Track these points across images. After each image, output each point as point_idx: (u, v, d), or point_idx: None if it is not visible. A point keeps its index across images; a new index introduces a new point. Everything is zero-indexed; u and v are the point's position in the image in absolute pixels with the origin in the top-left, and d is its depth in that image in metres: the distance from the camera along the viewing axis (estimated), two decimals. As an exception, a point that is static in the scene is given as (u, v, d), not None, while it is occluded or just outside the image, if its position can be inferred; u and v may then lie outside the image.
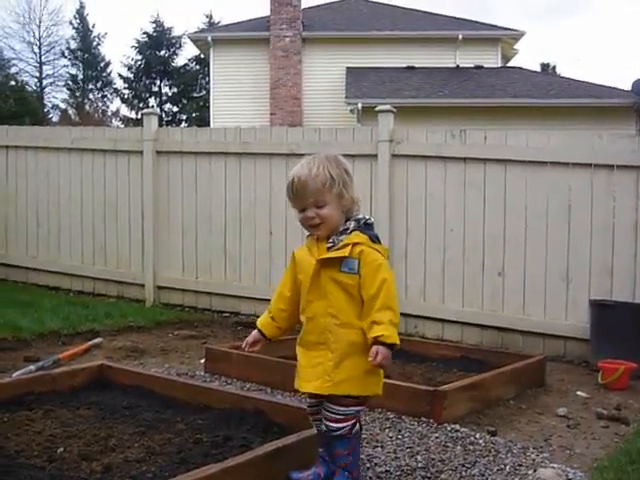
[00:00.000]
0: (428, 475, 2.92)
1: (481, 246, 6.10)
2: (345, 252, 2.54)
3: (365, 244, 2.56)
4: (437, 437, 3.47)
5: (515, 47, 22.73)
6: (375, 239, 2.61)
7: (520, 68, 21.51)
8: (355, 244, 2.55)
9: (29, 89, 43.47)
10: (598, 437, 3.70)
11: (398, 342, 2.46)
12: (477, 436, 3.52)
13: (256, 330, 2.80)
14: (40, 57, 45.28)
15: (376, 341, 2.43)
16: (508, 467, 3.08)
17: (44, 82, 45.74)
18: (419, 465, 3.04)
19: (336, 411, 2.55)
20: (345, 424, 2.55)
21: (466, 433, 3.56)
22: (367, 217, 2.66)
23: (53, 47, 45.62)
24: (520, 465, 3.12)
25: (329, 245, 2.60)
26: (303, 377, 2.60)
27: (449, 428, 3.61)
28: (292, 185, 2.61)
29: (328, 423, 2.57)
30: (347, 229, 2.60)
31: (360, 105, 17.04)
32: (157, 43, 42.58)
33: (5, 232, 8.40)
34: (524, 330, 5.91)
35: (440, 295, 6.21)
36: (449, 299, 6.19)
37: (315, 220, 2.60)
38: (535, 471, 3.03)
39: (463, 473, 2.97)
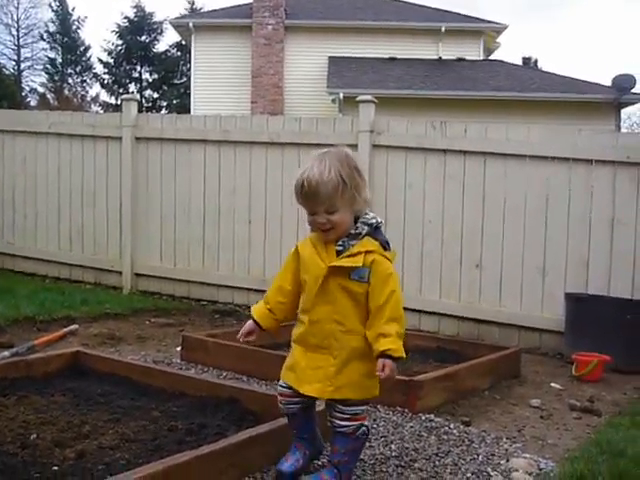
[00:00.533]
0: (402, 464, 2.94)
1: (459, 238, 6.12)
2: (358, 262, 2.49)
3: (377, 252, 2.52)
4: (411, 427, 3.49)
5: (497, 40, 22.83)
6: (386, 245, 2.57)
7: (502, 61, 21.58)
8: (367, 252, 2.50)
9: (6, 72, 42.96)
10: (570, 428, 3.74)
11: (404, 355, 2.44)
12: (451, 426, 3.55)
13: (251, 321, 2.72)
14: (18, 40, 44.82)
15: (383, 354, 2.41)
16: (481, 457, 3.11)
17: (22, 65, 45.30)
18: (393, 454, 3.05)
19: (343, 411, 2.55)
20: (351, 423, 2.56)
21: (440, 423, 3.58)
22: (378, 220, 2.59)
23: (32, 30, 45.17)
24: (493, 455, 3.14)
25: (338, 248, 2.54)
26: (302, 378, 2.57)
27: (424, 418, 3.64)
28: (302, 189, 2.49)
29: (334, 420, 2.58)
30: (359, 234, 2.54)
31: (342, 95, 17.04)
32: (138, 28, 42.19)
33: (-19, 217, 8.32)
34: (500, 322, 5.95)
35: (417, 286, 6.23)
36: (426, 290, 6.22)
37: (326, 226, 2.51)
38: (508, 461, 3.06)
39: (436, 462, 2.99)
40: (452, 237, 6.15)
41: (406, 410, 3.72)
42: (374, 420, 3.54)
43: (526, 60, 41.17)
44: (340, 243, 2.54)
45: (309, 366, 2.56)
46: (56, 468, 2.48)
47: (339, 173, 2.46)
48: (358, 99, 6.55)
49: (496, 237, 5.99)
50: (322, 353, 2.54)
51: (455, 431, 3.47)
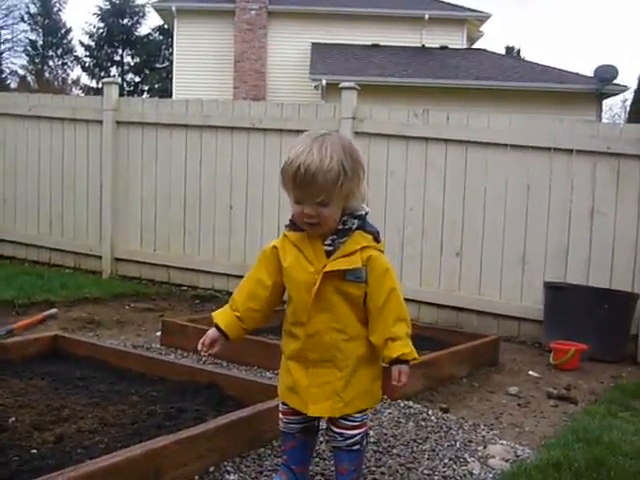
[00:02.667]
0: (380, 450, 2.95)
1: (440, 226, 6.15)
2: (357, 263, 2.21)
3: (372, 247, 2.26)
4: (390, 413, 3.51)
5: (481, 29, 22.83)
6: (377, 236, 2.30)
7: (485, 50, 21.59)
8: (363, 248, 2.23)
9: (-14, 54, 42.47)
10: (547, 416, 3.77)
11: (417, 356, 2.26)
12: (429, 412, 3.57)
13: (214, 329, 2.35)
14: (-2, 21, 44.21)
15: (397, 360, 2.23)
16: (459, 443, 3.13)
17: (2, 47, 44.69)
18: (371, 440, 3.06)
19: (353, 419, 2.31)
20: (360, 430, 2.32)
21: (419, 409, 3.61)
22: (366, 209, 2.30)
23: (12, 11, 44.52)
24: (470, 441, 3.17)
25: (328, 248, 2.23)
26: (307, 398, 2.27)
27: (402, 404, 3.66)
28: (295, 173, 2.13)
29: (345, 431, 2.30)
30: (349, 229, 2.24)
31: (324, 81, 16.98)
32: (120, 11, 41.71)
33: (-41, 199, 8.24)
34: (480, 310, 5.99)
35: (398, 273, 6.16)
36: (406, 278, 6.23)
37: (313, 219, 2.18)
38: (485, 447, 3.09)
39: (414, 448, 3.01)
40: (433, 225, 6.17)
41: (385, 396, 3.73)
42: (353, 406, 3.55)
43: (509, 49, 41.18)
44: (329, 242, 2.24)
45: (313, 384, 2.27)
46: (35, 451, 2.47)
47: (341, 163, 2.16)
48: (341, 86, 6.54)
49: (476, 226, 6.01)
50: (326, 367, 2.26)
51: (433, 418, 3.50)
